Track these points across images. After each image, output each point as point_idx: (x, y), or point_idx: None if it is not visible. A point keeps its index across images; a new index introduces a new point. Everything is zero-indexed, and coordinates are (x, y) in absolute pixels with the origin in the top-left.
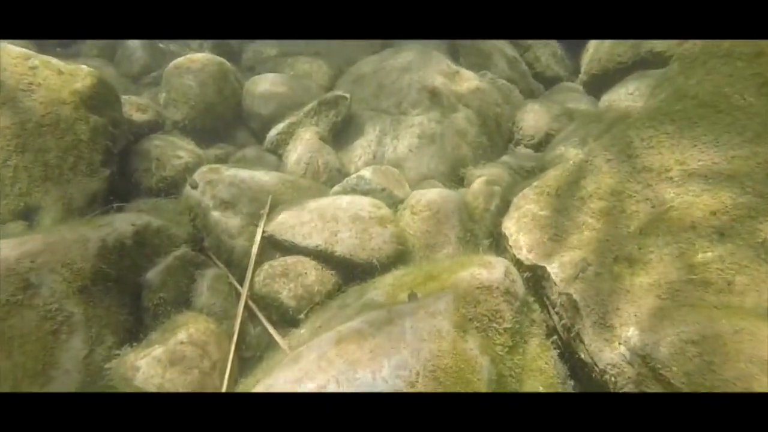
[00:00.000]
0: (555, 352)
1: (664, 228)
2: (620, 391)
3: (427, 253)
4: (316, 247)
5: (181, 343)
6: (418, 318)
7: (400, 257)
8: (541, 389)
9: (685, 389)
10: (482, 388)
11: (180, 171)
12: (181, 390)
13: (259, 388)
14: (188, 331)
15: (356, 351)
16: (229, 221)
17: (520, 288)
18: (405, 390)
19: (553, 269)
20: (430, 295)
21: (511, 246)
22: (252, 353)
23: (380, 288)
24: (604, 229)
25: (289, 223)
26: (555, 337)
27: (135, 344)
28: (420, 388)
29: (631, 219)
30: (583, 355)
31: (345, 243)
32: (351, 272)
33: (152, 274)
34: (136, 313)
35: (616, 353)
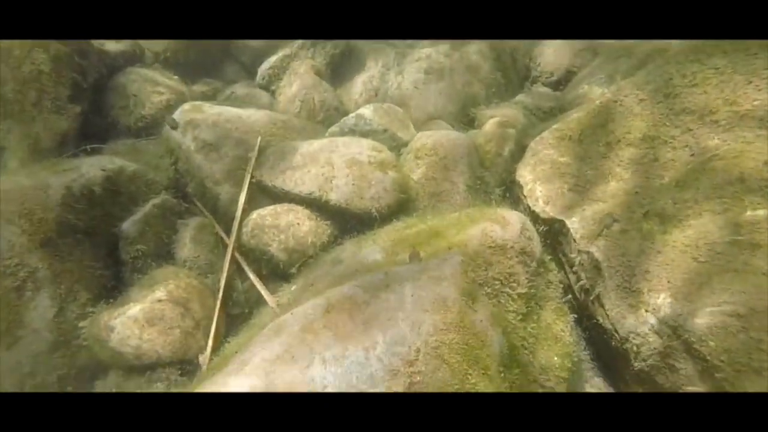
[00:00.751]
0: (572, 317)
1: (706, 180)
2: (642, 363)
3: (433, 203)
4: (310, 194)
5: (160, 300)
6: (420, 284)
7: (401, 207)
8: (555, 359)
9: (725, 368)
10: (492, 365)
11: (161, 109)
12: (159, 350)
13: (234, 365)
14: (168, 287)
15: (347, 322)
16: (213, 165)
17: (537, 247)
18: (402, 369)
19: (573, 224)
20: (435, 255)
21: (525, 196)
22: (240, 310)
23: (379, 242)
24: (633, 180)
25: (280, 168)
26: (569, 296)
27: (113, 301)
28: (420, 367)
29: (665, 169)
30: (601, 320)
31: (341, 190)
32: (347, 223)
33: (128, 225)
34: (113, 267)
35: (642, 321)
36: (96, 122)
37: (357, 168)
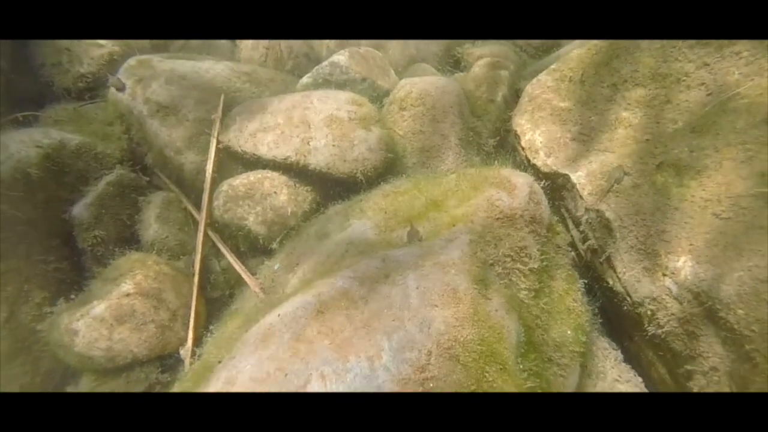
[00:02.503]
0: (582, 283)
1: (726, 123)
2: (657, 329)
3: (423, 160)
4: (285, 159)
5: (128, 294)
6: (425, 272)
7: (389, 167)
8: (569, 333)
9: (756, 339)
10: (510, 358)
11: (104, 65)
12: (134, 349)
13: (219, 382)
14: (135, 278)
15: (345, 326)
16: (172, 132)
17: (546, 211)
18: (413, 377)
19: (579, 179)
20: (437, 233)
21: (524, 147)
22: (220, 292)
23: (368, 212)
24: (643, 126)
25: (249, 130)
26: (573, 253)
27: (74, 298)
28: (433, 371)
29: (679, 112)
30: (612, 283)
31: (321, 153)
32: (331, 188)
33: (80, 209)
34: (71, 258)
35: (659, 285)
36: (23, 84)
37: (337, 126)
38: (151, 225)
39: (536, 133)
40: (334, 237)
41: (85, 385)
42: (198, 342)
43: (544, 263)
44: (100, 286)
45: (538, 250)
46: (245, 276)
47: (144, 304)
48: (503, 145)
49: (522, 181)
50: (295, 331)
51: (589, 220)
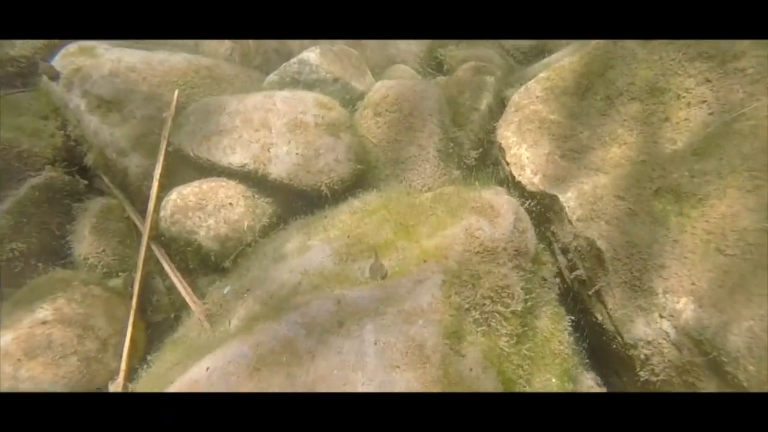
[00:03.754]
0: (569, 320)
1: (730, 147)
2: (651, 375)
3: (397, 172)
4: (243, 167)
5: (44, 323)
6: (386, 322)
7: (359, 179)
8: (554, 382)
9: None
10: None
11: (41, 48)
12: (48, 387)
13: None
14: (55, 303)
15: (284, 387)
16: (115, 130)
17: (532, 240)
18: None
19: (568, 201)
20: (405, 269)
21: (508, 162)
22: (163, 315)
23: (331, 230)
24: (640, 146)
25: (203, 132)
26: (558, 281)
27: None
28: None
29: (679, 131)
30: (601, 319)
31: (282, 162)
32: (294, 201)
33: None
34: None
35: (655, 328)
36: None
37: (301, 132)
38: (86, 237)
39: (522, 147)
40: (291, 262)
41: None
42: (132, 375)
43: (529, 303)
44: (8, 312)
45: (522, 288)
46: (189, 301)
47: (65, 334)
48: (486, 159)
49: (506, 206)
50: (224, 388)
51: (579, 248)
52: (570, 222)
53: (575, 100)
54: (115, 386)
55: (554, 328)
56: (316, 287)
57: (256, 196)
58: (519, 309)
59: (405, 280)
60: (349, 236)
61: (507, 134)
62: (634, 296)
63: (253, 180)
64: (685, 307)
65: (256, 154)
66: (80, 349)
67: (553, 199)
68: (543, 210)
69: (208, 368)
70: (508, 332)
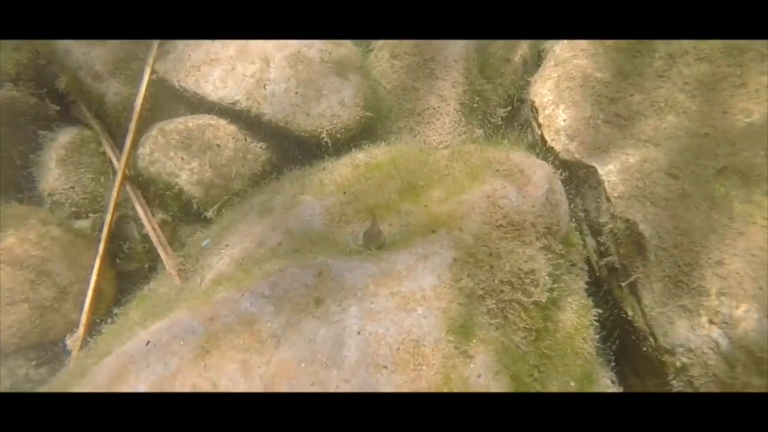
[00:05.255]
0: (596, 314)
1: None
2: (686, 385)
3: (411, 125)
4: (234, 104)
5: None
6: (375, 306)
7: (366, 129)
8: (572, 386)
9: None
10: None
11: None
12: None
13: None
14: (5, 242)
15: (234, 382)
16: (90, 50)
17: (565, 218)
18: None
19: (609, 174)
20: (408, 238)
21: (541, 124)
22: (136, 265)
23: (328, 185)
24: (704, 115)
25: (192, 60)
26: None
27: None
28: None
29: (757, 101)
30: (631, 315)
31: (278, 101)
32: (290, 148)
33: None
34: None
35: (701, 334)
36: None
37: (303, 68)
38: (51, 170)
39: (559, 108)
40: (276, 217)
41: None
42: (93, 329)
43: (555, 293)
44: None
45: (548, 274)
46: (161, 251)
47: (14, 278)
48: (515, 119)
49: (539, 173)
50: (156, 381)
51: (615, 231)
52: (608, 199)
53: (628, 56)
54: (73, 340)
55: (579, 322)
56: (296, 251)
57: (249, 139)
58: (543, 300)
59: (406, 254)
60: (345, 192)
61: (542, 91)
62: (678, 294)
63: (246, 120)
64: (745, 315)
65: (249, 91)
66: (32, 297)
67: (591, 170)
68: (576, 183)
69: (148, 342)
70: (527, 326)
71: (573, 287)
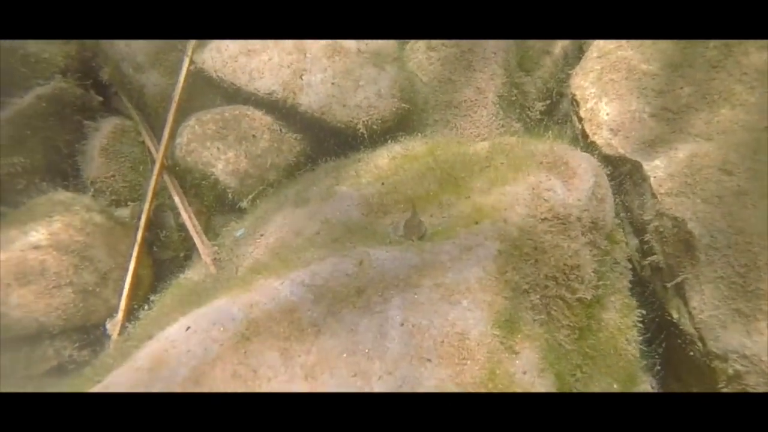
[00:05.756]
0: (639, 315)
1: None
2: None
3: (448, 117)
4: (270, 94)
5: (37, 247)
6: (419, 297)
7: (402, 121)
8: (615, 387)
9: None
10: None
11: None
12: (41, 318)
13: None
14: (52, 227)
15: (274, 372)
16: (132, 42)
17: (610, 213)
18: None
19: (655, 170)
20: (450, 229)
21: (582, 118)
22: (172, 253)
23: (364, 176)
24: (761, 108)
25: (230, 51)
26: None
27: None
28: None
29: None
30: (677, 317)
31: (315, 91)
32: (326, 139)
33: None
34: None
35: (759, 341)
36: None
37: (340, 59)
38: (95, 159)
39: (602, 102)
40: (312, 207)
41: None
42: (131, 315)
43: (599, 290)
44: (3, 231)
45: (594, 271)
46: (197, 240)
47: (60, 262)
48: (553, 113)
49: (585, 165)
50: (196, 366)
51: (660, 229)
52: (654, 196)
53: (678, 47)
54: (113, 324)
55: (622, 322)
56: (335, 240)
57: (284, 130)
58: (588, 297)
59: (449, 245)
60: (383, 183)
61: (584, 84)
62: (732, 297)
63: (282, 111)
64: None
65: (286, 81)
66: (76, 281)
67: (635, 166)
68: (619, 179)
69: (188, 328)
70: (570, 324)
71: (617, 286)
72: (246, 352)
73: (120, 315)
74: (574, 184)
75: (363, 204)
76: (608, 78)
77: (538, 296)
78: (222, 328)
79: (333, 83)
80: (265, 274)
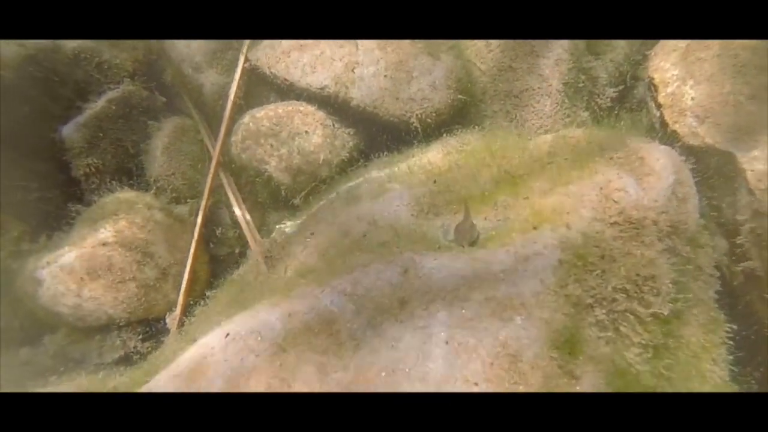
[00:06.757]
0: (728, 329)
1: None
2: None
3: (508, 108)
4: (322, 89)
5: (105, 244)
6: (467, 312)
7: (458, 113)
8: None
9: None
10: None
11: None
12: (109, 310)
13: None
14: (117, 225)
15: (309, 385)
16: (191, 42)
17: (694, 214)
18: None
19: (753, 162)
20: (506, 237)
21: (661, 105)
22: (228, 250)
23: (417, 173)
24: None
25: (283, 47)
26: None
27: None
28: None
29: None
30: None
31: (367, 85)
32: (379, 134)
33: (69, 129)
34: (63, 187)
35: None
36: None
37: (393, 50)
38: (157, 158)
39: (687, 85)
40: (362, 206)
41: (55, 341)
42: (189, 310)
43: (678, 303)
44: (78, 229)
45: (672, 281)
46: (250, 237)
47: (124, 258)
48: (626, 100)
49: (664, 161)
50: (232, 377)
51: (758, 231)
52: (751, 192)
53: None
54: (172, 319)
55: (706, 340)
56: (382, 244)
57: (337, 125)
58: (665, 312)
59: (503, 253)
60: (435, 181)
61: (665, 65)
62: None
63: (334, 106)
64: None
65: (338, 75)
66: (139, 276)
67: (727, 157)
68: (707, 174)
69: (227, 335)
70: (643, 342)
71: (700, 297)
72: (281, 365)
73: (178, 310)
74: (651, 183)
75: (413, 204)
76: (695, 57)
77: (604, 311)
78: (259, 338)
79: (385, 75)
80: (308, 278)
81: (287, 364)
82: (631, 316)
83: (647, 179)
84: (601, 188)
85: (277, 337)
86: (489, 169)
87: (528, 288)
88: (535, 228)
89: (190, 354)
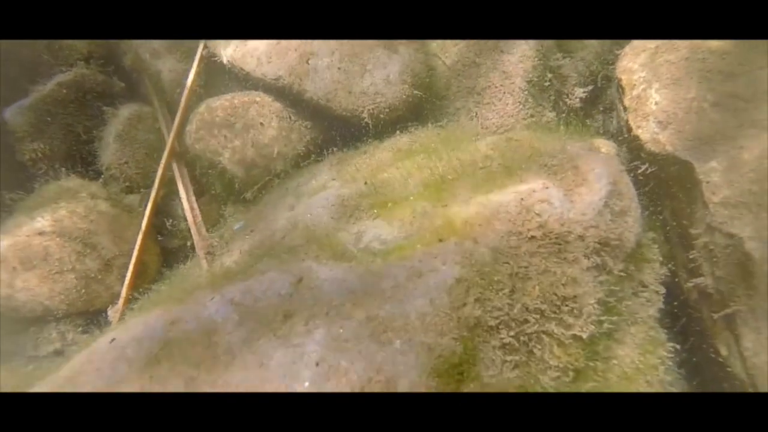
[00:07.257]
0: (669, 349)
1: None
2: None
3: (470, 105)
4: (277, 80)
5: (41, 233)
6: (343, 332)
7: (415, 109)
8: None
9: None
10: None
11: None
12: (45, 302)
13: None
14: (56, 214)
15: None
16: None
17: (633, 228)
18: None
19: (711, 173)
20: (409, 250)
21: (626, 108)
22: (179, 242)
23: (362, 171)
24: None
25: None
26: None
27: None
28: None
29: None
30: (725, 357)
31: (321, 77)
32: (334, 128)
33: (12, 112)
34: (8, 172)
35: None
36: None
37: (349, 41)
38: (110, 145)
39: (653, 87)
40: (300, 204)
41: None
42: (133, 302)
43: (605, 325)
44: (15, 217)
45: (598, 301)
46: (193, 232)
47: (62, 248)
48: (597, 101)
49: (599, 170)
50: (105, 385)
51: (711, 246)
52: (706, 205)
53: None
54: (114, 311)
55: (642, 360)
56: (290, 249)
57: (293, 118)
58: (584, 335)
59: (398, 268)
60: (366, 183)
61: (633, 66)
62: None
63: (290, 98)
64: None
65: (292, 66)
66: (79, 267)
67: (686, 167)
68: (666, 183)
69: (113, 340)
70: (561, 365)
71: (639, 315)
72: (152, 377)
73: (120, 302)
74: (580, 194)
75: (337, 206)
76: (664, 59)
77: (512, 333)
78: (138, 347)
79: (339, 68)
80: (216, 282)
81: (158, 377)
82: (547, 338)
83: (577, 190)
84: (522, 199)
85: (155, 346)
86: (422, 172)
87: (414, 308)
88: (440, 240)
89: (76, 359)
